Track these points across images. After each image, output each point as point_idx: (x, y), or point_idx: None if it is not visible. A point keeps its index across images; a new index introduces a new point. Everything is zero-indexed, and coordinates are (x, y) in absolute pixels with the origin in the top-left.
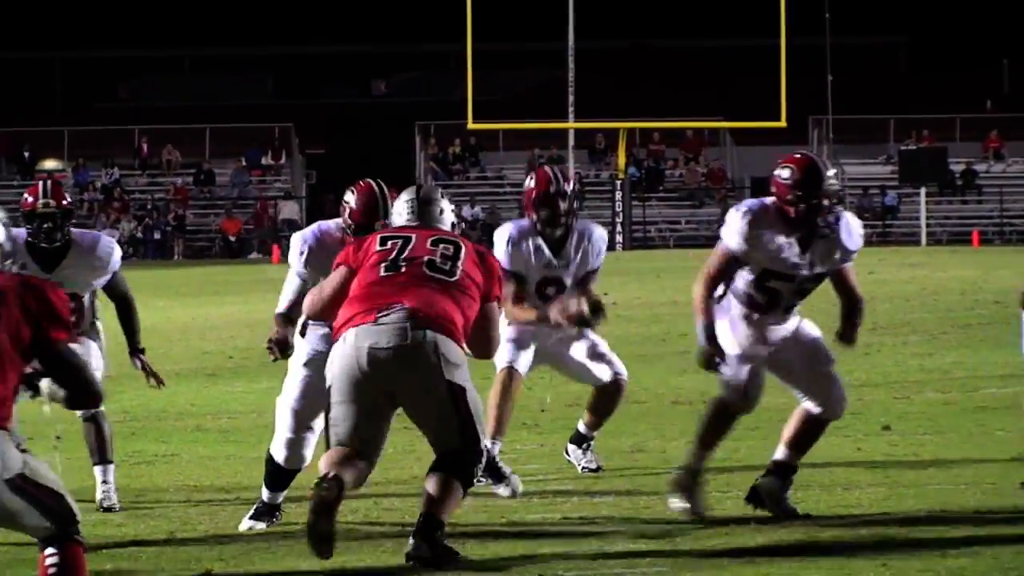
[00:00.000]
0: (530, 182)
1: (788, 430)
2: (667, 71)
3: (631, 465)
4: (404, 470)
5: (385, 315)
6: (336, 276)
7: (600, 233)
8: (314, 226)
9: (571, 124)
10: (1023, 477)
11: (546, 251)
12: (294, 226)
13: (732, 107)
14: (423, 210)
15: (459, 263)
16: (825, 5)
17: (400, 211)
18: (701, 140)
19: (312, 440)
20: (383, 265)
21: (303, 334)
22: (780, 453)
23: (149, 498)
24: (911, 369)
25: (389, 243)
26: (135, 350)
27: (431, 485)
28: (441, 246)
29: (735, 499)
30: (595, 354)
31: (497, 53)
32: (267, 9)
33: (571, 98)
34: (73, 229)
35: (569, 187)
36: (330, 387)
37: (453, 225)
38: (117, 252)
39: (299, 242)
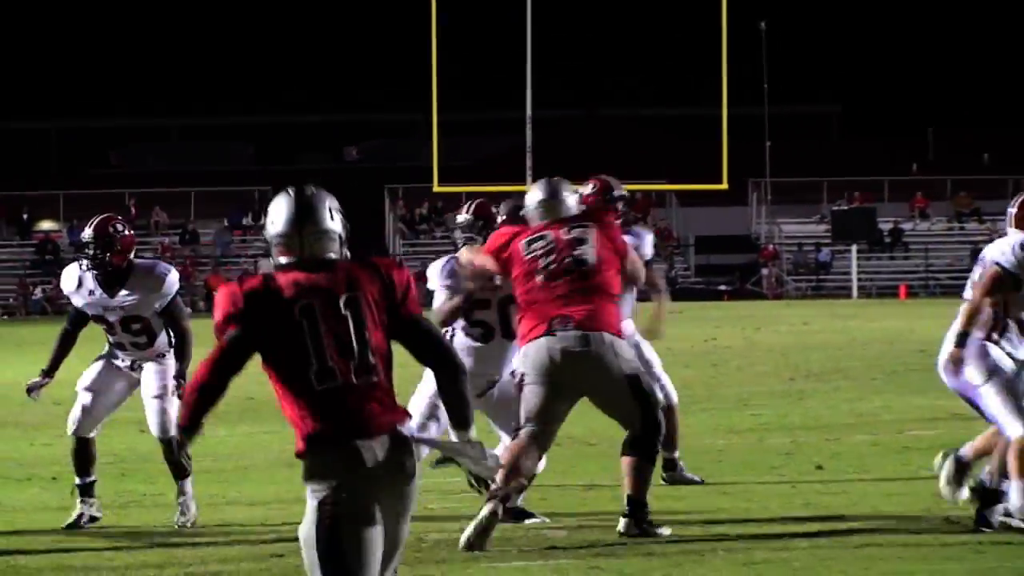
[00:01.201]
0: (589, 188)
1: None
2: (617, 137)
3: (582, 502)
4: None
5: (563, 328)
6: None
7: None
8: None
9: (530, 187)
10: (945, 512)
11: None
12: None
13: (677, 170)
14: (553, 206)
15: (591, 246)
16: (764, 77)
17: (536, 209)
18: (649, 201)
19: (436, 429)
20: (540, 276)
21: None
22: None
23: (136, 535)
24: (842, 413)
25: (535, 247)
26: (179, 374)
27: (627, 470)
28: (573, 231)
29: (681, 545)
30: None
31: (461, 122)
32: (248, 82)
33: (529, 162)
34: (137, 260)
35: (626, 193)
36: (523, 374)
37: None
38: (173, 275)
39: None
